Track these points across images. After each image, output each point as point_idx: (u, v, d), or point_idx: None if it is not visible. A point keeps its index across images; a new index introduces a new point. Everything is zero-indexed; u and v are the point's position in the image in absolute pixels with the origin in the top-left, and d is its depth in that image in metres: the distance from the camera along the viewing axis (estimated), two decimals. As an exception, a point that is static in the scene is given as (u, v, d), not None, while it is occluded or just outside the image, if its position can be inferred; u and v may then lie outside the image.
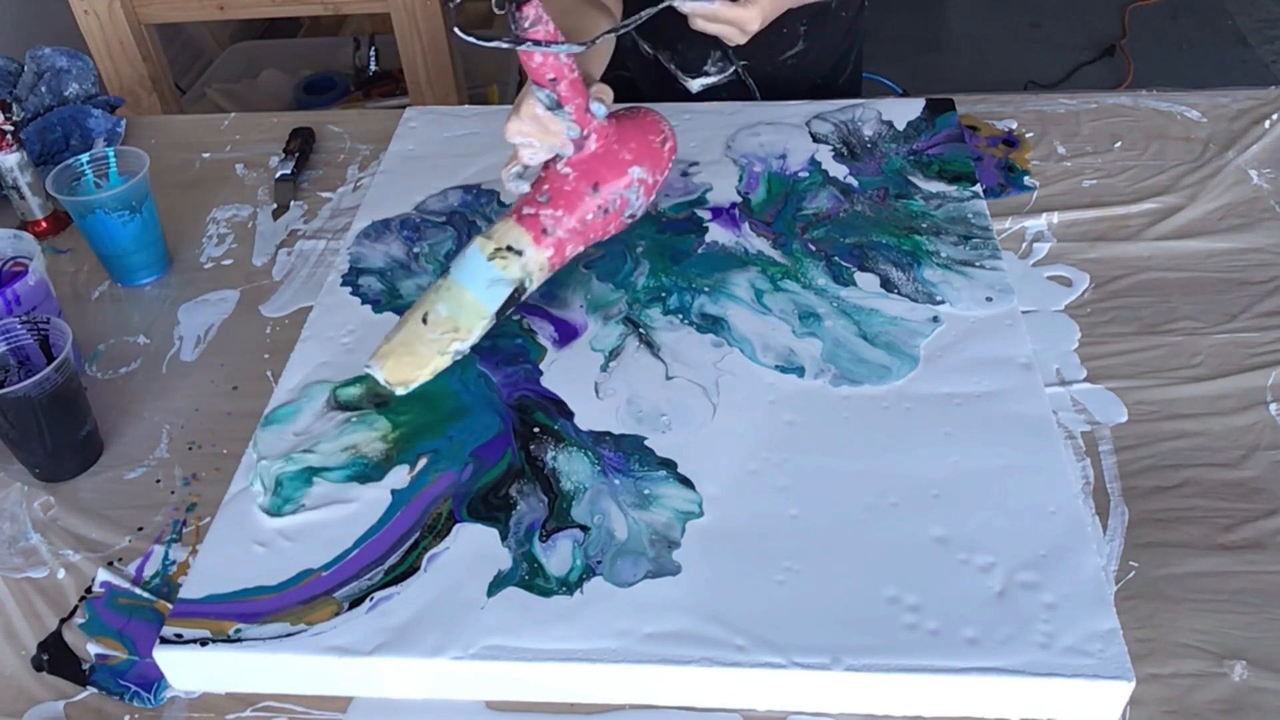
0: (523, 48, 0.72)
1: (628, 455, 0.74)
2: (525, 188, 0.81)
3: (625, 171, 0.80)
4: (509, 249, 0.77)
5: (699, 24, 0.81)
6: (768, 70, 1.12)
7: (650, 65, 1.10)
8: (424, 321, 0.77)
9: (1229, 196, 1.00)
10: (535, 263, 0.79)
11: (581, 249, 0.82)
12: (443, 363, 0.78)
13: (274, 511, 0.71)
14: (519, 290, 0.78)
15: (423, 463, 0.74)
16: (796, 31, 1.11)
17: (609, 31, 0.79)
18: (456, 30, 0.73)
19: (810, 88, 1.19)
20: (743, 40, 0.83)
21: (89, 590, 0.73)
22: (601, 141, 0.79)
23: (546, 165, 0.80)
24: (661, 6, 0.78)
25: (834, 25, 1.16)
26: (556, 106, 0.76)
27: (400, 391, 0.77)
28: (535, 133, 0.77)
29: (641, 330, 0.84)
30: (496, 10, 0.71)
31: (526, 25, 0.71)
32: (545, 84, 0.75)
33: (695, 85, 0.86)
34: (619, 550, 0.68)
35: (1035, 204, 1.00)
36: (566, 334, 0.85)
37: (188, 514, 0.78)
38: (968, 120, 1.11)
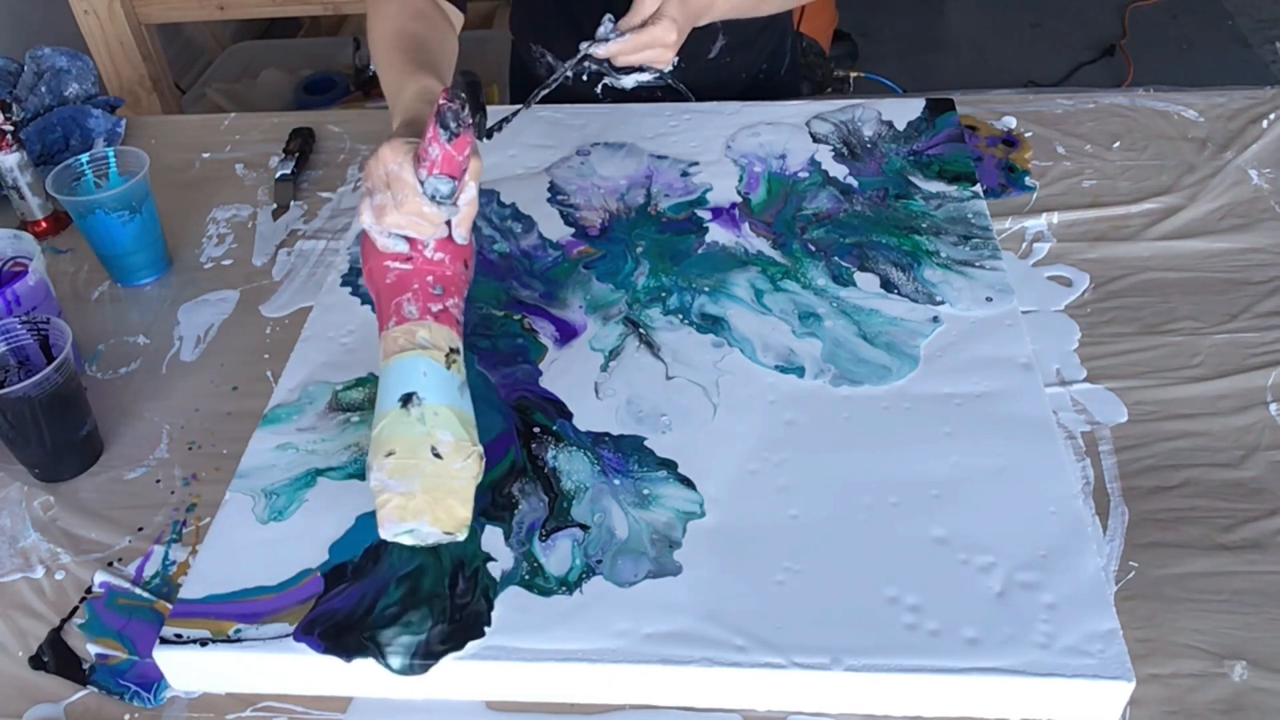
0: (488, 138, 0.70)
1: (627, 456, 0.74)
2: (403, 246, 0.74)
3: (469, 238, 0.76)
4: (453, 351, 0.72)
5: (623, 60, 0.82)
6: (700, 69, 1.13)
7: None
8: (438, 456, 0.67)
9: (1229, 196, 1.00)
10: (461, 350, 0.75)
11: None
12: (476, 483, 0.69)
13: (271, 520, 0.71)
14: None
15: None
16: (714, 26, 1.12)
17: (544, 87, 0.79)
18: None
19: (751, 84, 1.20)
20: (670, 55, 0.83)
21: (89, 590, 0.73)
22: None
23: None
24: (578, 59, 0.79)
25: (751, 20, 1.15)
26: (449, 196, 0.70)
27: (463, 535, 0.67)
28: (412, 225, 0.71)
29: (641, 330, 0.84)
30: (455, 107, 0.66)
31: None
32: (456, 174, 0.69)
33: (629, 82, 0.86)
34: (620, 549, 0.68)
35: (1035, 204, 1.00)
36: (566, 334, 0.85)
37: (188, 514, 0.78)
38: (967, 120, 1.11)
